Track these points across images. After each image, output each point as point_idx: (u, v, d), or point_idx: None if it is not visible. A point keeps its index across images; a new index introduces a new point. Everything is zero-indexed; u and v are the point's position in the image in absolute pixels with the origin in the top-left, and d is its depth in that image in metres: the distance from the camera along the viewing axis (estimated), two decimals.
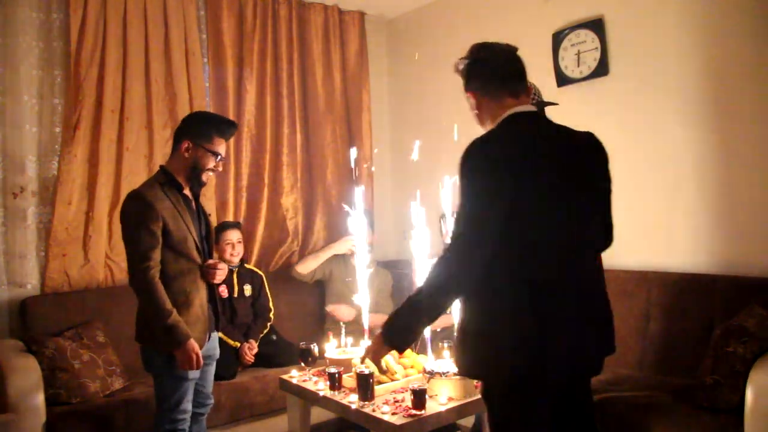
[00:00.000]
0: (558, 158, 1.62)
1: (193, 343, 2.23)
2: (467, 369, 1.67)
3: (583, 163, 1.66)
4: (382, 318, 3.50)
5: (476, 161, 1.57)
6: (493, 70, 1.73)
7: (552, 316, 1.54)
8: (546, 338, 1.52)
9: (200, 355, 2.25)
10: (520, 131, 1.64)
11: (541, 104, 2.46)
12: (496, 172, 1.54)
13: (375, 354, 1.79)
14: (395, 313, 1.71)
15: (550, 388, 1.59)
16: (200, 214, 2.45)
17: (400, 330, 1.69)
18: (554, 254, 1.58)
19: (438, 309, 1.64)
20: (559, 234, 1.58)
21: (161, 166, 2.40)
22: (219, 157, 2.37)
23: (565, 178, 1.60)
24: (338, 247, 3.80)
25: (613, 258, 2.40)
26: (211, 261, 2.38)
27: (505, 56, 1.75)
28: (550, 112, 2.49)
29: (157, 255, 2.22)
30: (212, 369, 2.53)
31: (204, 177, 2.37)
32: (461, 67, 1.77)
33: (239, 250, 3.47)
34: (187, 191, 2.39)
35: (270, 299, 3.56)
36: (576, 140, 1.68)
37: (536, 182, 1.56)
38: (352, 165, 4.03)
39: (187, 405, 2.33)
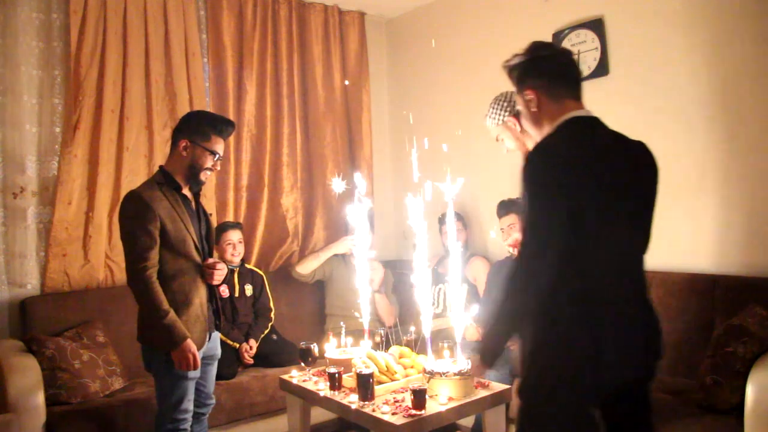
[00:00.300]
0: (617, 167, 1.59)
1: (190, 344, 2.23)
2: (532, 384, 1.65)
3: (639, 173, 1.64)
4: (382, 299, 3.43)
5: (540, 169, 1.54)
6: (559, 69, 1.68)
7: (611, 325, 1.53)
8: (603, 348, 1.51)
9: (197, 355, 2.25)
10: (582, 137, 1.60)
11: None
12: (560, 181, 1.50)
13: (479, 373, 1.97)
14: (484, 336, 1.79)
15: (603, 397, 1.60)
16: (200, 214, 2.45)
17: (492, 353, 1.76)
18: (613, 264, 1.57)
19: (516, 327, 1.67)
20: (617, 244, 1.57)
21: (160, 167, 2.40)
22: (217, 156, 2.37)
23: (622, 187, 1.58)
24: (338, 247, 3.80)
25: None
26: (210, 260, 2.38)
27: (567, 57, 1.72)
28: None
29: (154, 255, 2.22)
30: (213, 369, 2.53)
31: (202, 176, 2.37)
32: (517, 62, 1.70)
33: (240, 250, 3.47)
34: (186, 191, 2.39)
35: (271, 299, 3.56)
36: (632, 149, 1.65)
37: (598, 192, 1.53)
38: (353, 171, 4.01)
39: (188, 404, 2.33)
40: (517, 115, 2.43)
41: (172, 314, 2.21)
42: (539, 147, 1.59)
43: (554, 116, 1.64)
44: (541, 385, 1.59)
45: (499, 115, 2.47)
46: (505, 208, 3.29)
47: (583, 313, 1.52)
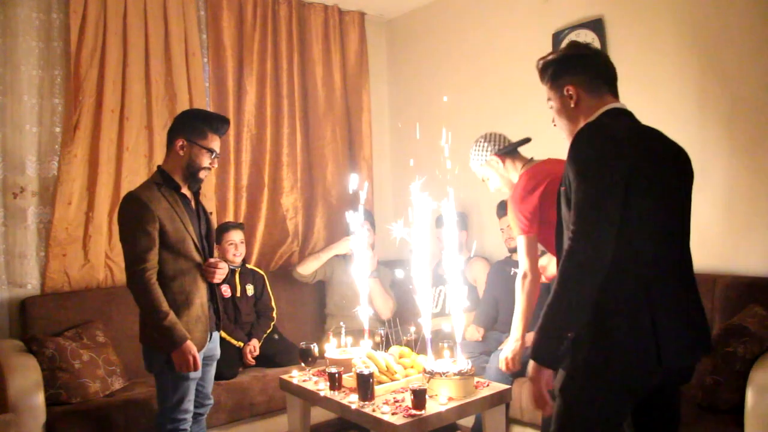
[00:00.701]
0: (660, 152, 1.61)
1: (190, 345, 2.23)
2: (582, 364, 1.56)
3: (678, 164, 1.65)
4: (376, 286, 3.40)
5: (590, 148, 1.54)
6: (597, 66, 1.70)
7: (666, 311, 1.52)
8: (659, 334, 1.49)
9: (197, 357, 2.25)
10: (625, 122, 1.62)
11: (514, 145, 2.50)
12: (612, 159, 1.50)
13: (537, 384, 1.57)
14: (537, 336, 1.56)
15: (642, 396, 1.59)
16: (200, 213, 2.44)
17: (549, 352, 1.55)
18: (666, 246, 1.57)
19: (575, 319, 1.53)
20: (669, 224, 1.58)
21: (158, 167, 2.40)
22: (214, 153, 2.37)
23: (667, 172, 1.59)
24: (339, 248, 3.80)
25: None
26: (211, 260, 2.38)
27: (605, 57, 1.74)
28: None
29: (153, 256, 2.22)
30: (213, 369, 2.53)
31: (201, 174, 2.37)
32: (556, 57, 1.73)
33: (242, 251, 3.47)
34: (185, 190, 2.39)
35: (272, 298, 3.57)
36: (672, 143, 1.68)
37: (646, 172, 1.54)
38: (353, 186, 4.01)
39: (189, 405, 2.33)
40: (499, 153, 2.49)
41: (171, 316, 2.21)
42: (586, 126, 1.60)
43: (592, 110, 1.66)
44: (592, 377, 1.54)
45: (482, 155, 2.54)
46: (504, 208, 3.29)
47: (643, 299, 1.50)
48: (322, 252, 3.83)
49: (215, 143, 2.37)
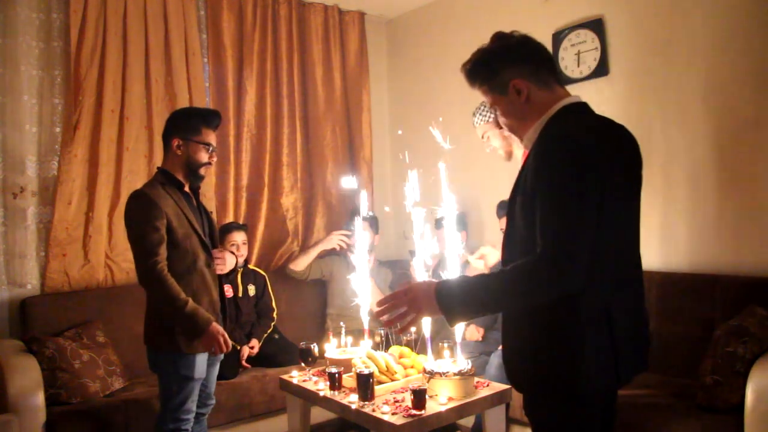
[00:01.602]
0: (627, 153, 1.46)
1: (216, 326, 2.25)
2: (532, 381, 1.48)
3: (635, 161, 1.50)
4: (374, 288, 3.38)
5: (563, 159, 1.34)
6: (540, 54, 1.49)
7: (625, 329, 1.42)
8: (619, 351, 1.40)
9: (226, 335, 2.28)
10: (588, 125, 1.43)
11: None
12: (586, 172, 1.33)
13: (418, 314, 1.47)
14: (463, 281, 1.47)
15: (609, 399, 1.52)
16: (202, 212, 2.45)
17: (463, 314, 1.45)
18: (629, 263, 1.47)
19: (503, 308, 1.47)
20: (630, 242, 1.47)
21: (159, 168, 2.40)
22: (210, 147, 2.37)
23: (632, 174, 1.46)
24: (326, 243, 3.84)
25: None
26: (216, 251, 2.40)
27: (537, 41, 1.51)
28: None
29: (163, 251, 2.23)
30: (216, 369, 2.53)
31: (202, 171, 2.37)
32: (490, 52, 1.50)
33: (244, 252, 3.48)
34: (187, 188, 2.39)
35: (273, 299, 3.58)
36: (626, 134, 1.50)
37: (617, 180, 1.39)
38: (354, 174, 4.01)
39: (192, 405, 2.33)
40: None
41: (191, 302, 2.22)
42: (557, 133, 1.40)
43: (546, 106, 1.47)
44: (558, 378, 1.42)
45: (490, 113, 2.48)
46: (504, 208, 3.28)
47: (604, 313, 1.39)
48: (311, 248, 3.86)
49: (210, 137, 2.38)
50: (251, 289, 3.50)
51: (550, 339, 1.42)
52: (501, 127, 2.11)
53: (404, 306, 1.50)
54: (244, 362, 3.30)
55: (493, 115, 2.40)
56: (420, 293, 1.48)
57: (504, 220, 3.26)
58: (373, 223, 3.81)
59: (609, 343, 1.40)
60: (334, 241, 3.75)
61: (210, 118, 2.40)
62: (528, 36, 1.52)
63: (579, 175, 1.33)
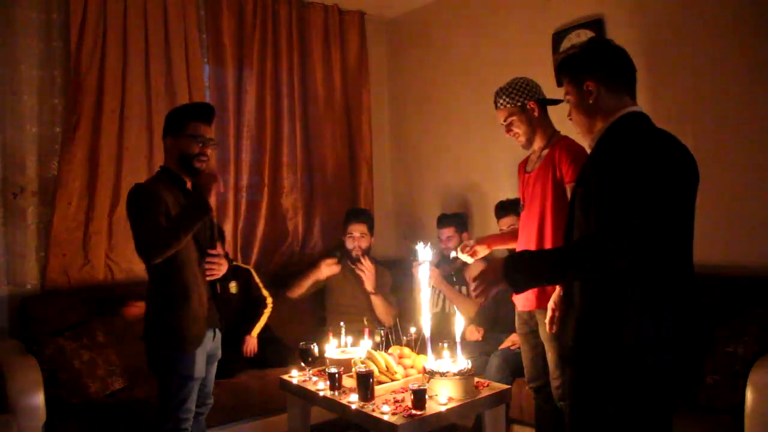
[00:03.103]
0: (694, 167, 1.57)
1: (206, 177, 2.32)
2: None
3: (696, 174, 1.60)
4: (378, 301, 3.32)
5: (655, 162, 1.48)
6: (618, 64, 1.69)
7: (690, 323, 1.53)
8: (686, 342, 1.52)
9: (216, 175, 2.33)
10: (663, 134, 1.59)
11: (545, 102, 2.45)
12: (672, 179, 1.48)
13: (488, 286, 1.67)
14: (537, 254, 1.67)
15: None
16: None
17: (532, 279, 1.63)
18: (689, 269, 1.57)
19: (584, 273, 1.56)
20: (689, 238, 1.57)
21: (161, 166, 2.41)
22: (199, 138, 2.34)
23: (695, 186, 1.57)
24: (317, 273, 3.65)
25: None
26: (212, 252, 2.40)
27: (626, 55, 1.71)
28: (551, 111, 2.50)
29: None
30: (214, 368, 2.53)
31: (196, 164, 2.36)
32: (577, 52, 1.73)
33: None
34: (189, 186, 2.40)
35: (262, 287, 3.54)
36: (687, 149, 1.62)
37: (690, 191, 1.54)
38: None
39: (191, 405, 2.33)
40: (538, 101, 2.43)
41: (179, 212, 2.25)
42: (646, 137, 1.56)
43: (612, 110, 1.64)
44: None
45: (520, 96, 2.40)
46: (503, 209, 3.27)
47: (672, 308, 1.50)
48: (304, 278, 3.70)
49: (200, 129, 2.35)
50: (233, 287, 3.46)
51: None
52: (526, 113, 2.36)
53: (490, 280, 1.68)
54: (248, 350, 3.30)
55: (524, 99, 2.40)
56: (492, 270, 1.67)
57: (503, 221, 3.26)
58: (370, 223, 3.74)
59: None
60: (325, 271, 3.63)
61: (197, 111, 2.40)
62: (619, 48, 1.73)
63: (660, 182, 1.46)
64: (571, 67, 1.72)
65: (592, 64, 1.68)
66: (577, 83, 1.69)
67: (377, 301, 3.61)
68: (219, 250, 2.56)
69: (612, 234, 1.47)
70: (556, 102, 2.39)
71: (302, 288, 3.69)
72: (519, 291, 1.67)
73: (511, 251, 2.36)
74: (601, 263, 1.48)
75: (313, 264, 3.75)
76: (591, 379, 1.57)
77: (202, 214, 2.25)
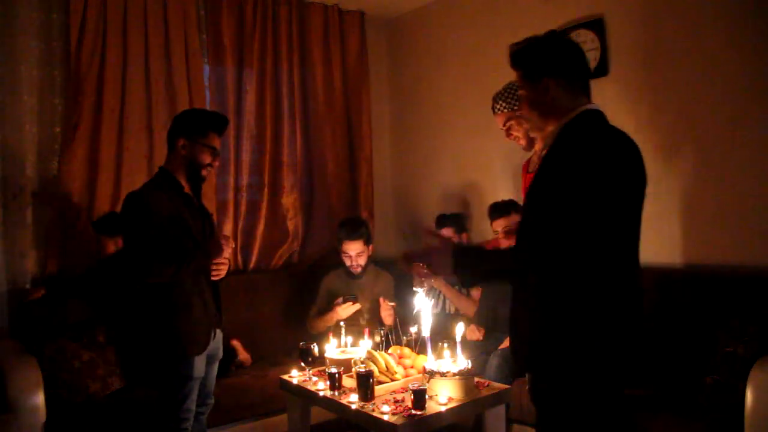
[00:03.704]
0: (642, 165, 1.56)
1: (211, 247, 2.31)
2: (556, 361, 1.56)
3: (644, 173, 1.59)
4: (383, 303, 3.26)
5: (604, 163, 1.46)
6: (577, 62, 1.61)
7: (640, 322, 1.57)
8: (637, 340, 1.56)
9: (218, 240, 2.32)
10: (616, 133, 1.55)
11: None
12: (621, 181, 1.47)
13: (437, 266, 1.63)
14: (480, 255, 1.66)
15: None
16: (202, 214, 2.45)
17: (473, 273, 1.62)
18: (636, 266, 1.59)
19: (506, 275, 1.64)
20: (636, 236, 1.57)
21: (160, 168, 2.40)
22: (215, 151, 2.37)
23: (641, 187, 1.56)
24: (341, 314, 3.43)
25: None
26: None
27: (582, 52, 1.64)
28: None
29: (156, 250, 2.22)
30: (214, 368, 2.53)
31: (203, 173, 2.37)
32: (534, 47, 1.62)
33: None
34: (188, 190, 2.39)
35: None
36: (637, 148, 1.59)
37: (635, 195, 1.53)
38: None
39: (192, 404, 2.33)
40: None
41: (185, 255, 2.24)
42: (597, 136, 1.53)
43: (567, 109, 1.58)
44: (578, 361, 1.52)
45: (517, 100, 2.33)
46: (497, 210, 3.22)
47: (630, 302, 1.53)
48: (328, 317, 3.46)
49: (216, 142, 2.39)
50: None
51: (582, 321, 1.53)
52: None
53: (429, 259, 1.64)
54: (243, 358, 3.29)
55: (519, 105, 2.32)
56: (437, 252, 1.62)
57: (497, 222, 3.24)
58: (367, 237, 3.53)
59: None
60: (342, 313, 3.40)
61: (218, 122, 2.42)
62: (575, 46, 1.65)
63: (607, 184, 1.44)
64: (528, 61, 1.62)
65: (553, 62, 1.59)
66: (533, 79, 1.60)
67: (381, 304, 3.51)
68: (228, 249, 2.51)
69: (534, 244, 1.51)
70: None
71: (323, 326, 3.49)
72: (466, 287, 1.73)
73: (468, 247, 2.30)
74: (519, 273, 1.55)
75: (330, 306, 3.52)
76: (551, 381, 1.58)
77: (203, 271, 2.28)
